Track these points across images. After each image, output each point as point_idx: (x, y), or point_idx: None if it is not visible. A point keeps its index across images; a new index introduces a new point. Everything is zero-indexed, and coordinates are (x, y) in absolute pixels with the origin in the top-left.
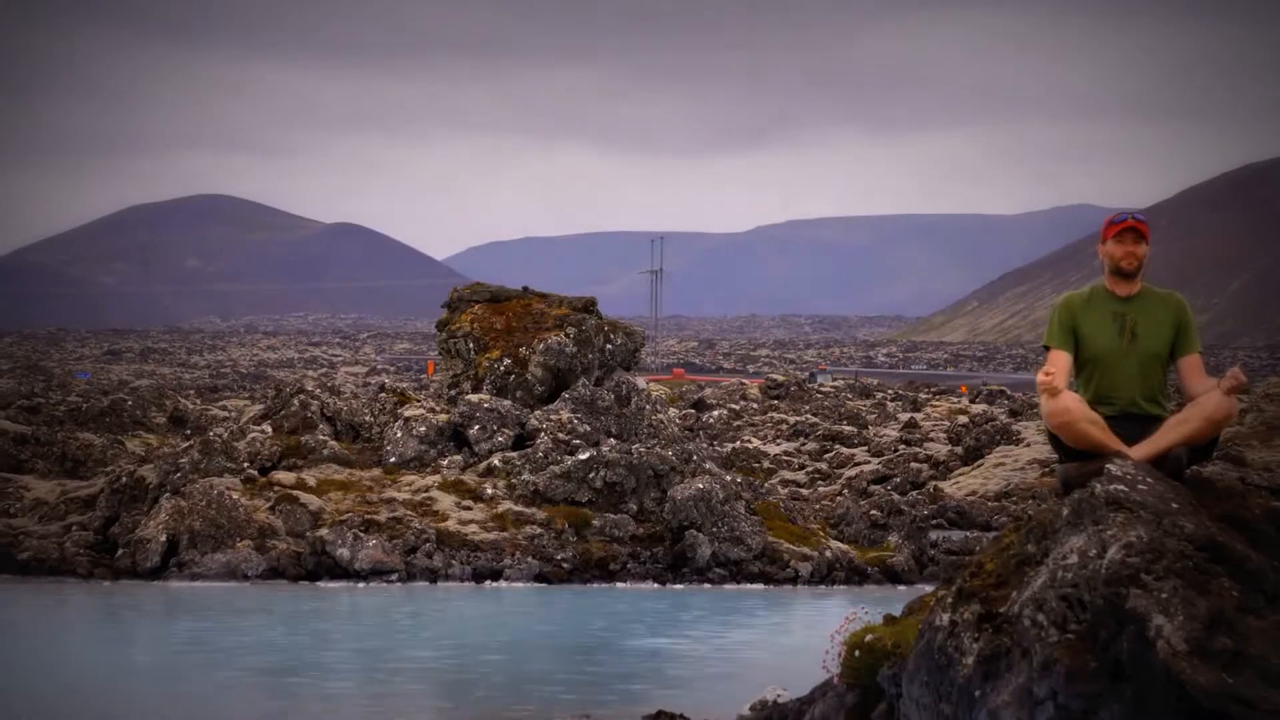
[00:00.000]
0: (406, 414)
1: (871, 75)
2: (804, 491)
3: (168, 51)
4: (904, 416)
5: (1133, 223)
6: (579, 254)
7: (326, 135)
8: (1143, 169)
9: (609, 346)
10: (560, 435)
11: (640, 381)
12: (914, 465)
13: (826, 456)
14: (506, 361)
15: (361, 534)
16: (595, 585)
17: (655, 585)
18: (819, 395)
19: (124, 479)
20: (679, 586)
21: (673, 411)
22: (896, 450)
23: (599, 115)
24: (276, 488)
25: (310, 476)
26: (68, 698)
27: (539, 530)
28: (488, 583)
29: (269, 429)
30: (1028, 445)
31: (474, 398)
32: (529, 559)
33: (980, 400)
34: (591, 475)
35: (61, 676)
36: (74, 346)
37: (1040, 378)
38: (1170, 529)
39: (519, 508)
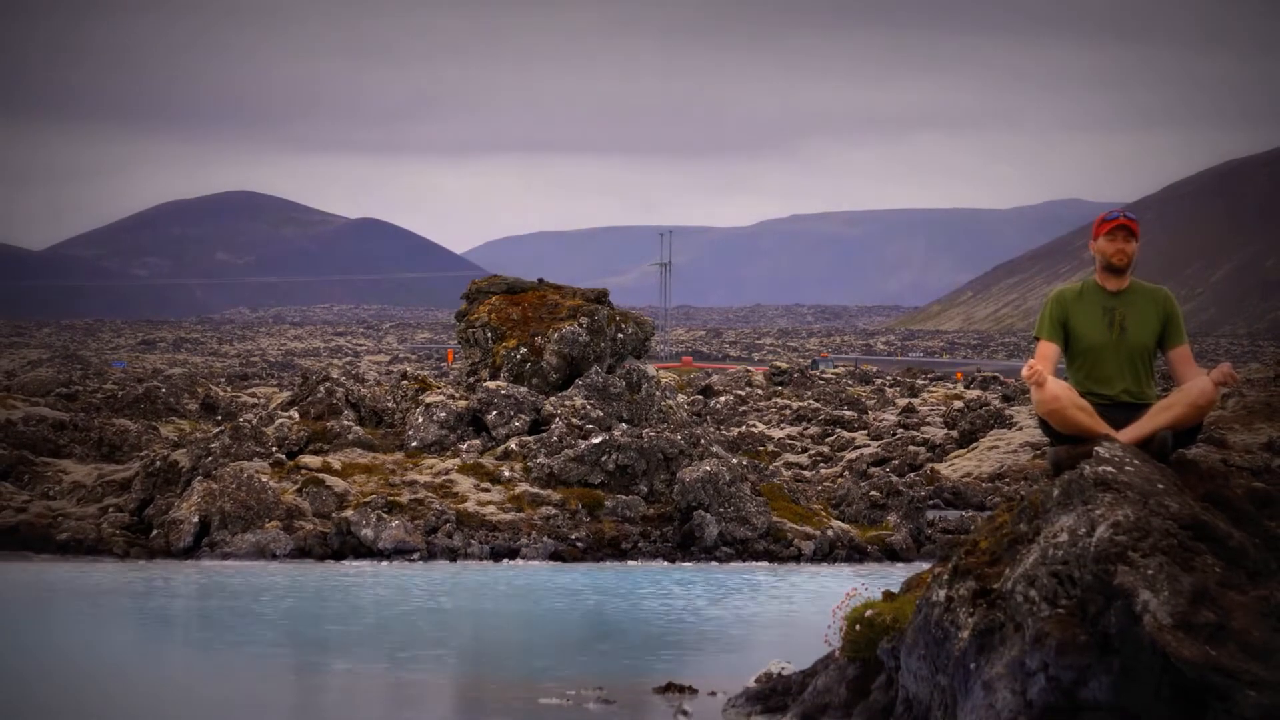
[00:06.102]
0: (427, 400)
1: (874, 79)
2: (806, 473)
3: (195, 54)
4: (902, 402)
5: (1124, 220)
6: (591, 247)
7: (351, 134)
8: (1130, 165)
9: (620, 335)
10: (574, 420)
11: (650, 369)
12: (912, 448)
13: (828, 440)
14: (523, 350)
15: (385, 515)
16: (608, 563)
17: (665, 563)
18: (821, 382)
19: (158, 463)
20: (687, 564)
21: (681, 397)
22: (895, 434)
23: (607, 116)
24: (304, 471)
25: (336, 460)
26: (94, 676)
27: (554, 511)
28: (505, 561)
29: (296, 415)
30: (1020, 429)
31: (492, 385)
32: (544, 538)
33: (975, 386)
34: (604, 458)
35: (92, 654)
36: (110, 337)
37: (1025, 371)
38: (1156, 508)
39: (535, 489)
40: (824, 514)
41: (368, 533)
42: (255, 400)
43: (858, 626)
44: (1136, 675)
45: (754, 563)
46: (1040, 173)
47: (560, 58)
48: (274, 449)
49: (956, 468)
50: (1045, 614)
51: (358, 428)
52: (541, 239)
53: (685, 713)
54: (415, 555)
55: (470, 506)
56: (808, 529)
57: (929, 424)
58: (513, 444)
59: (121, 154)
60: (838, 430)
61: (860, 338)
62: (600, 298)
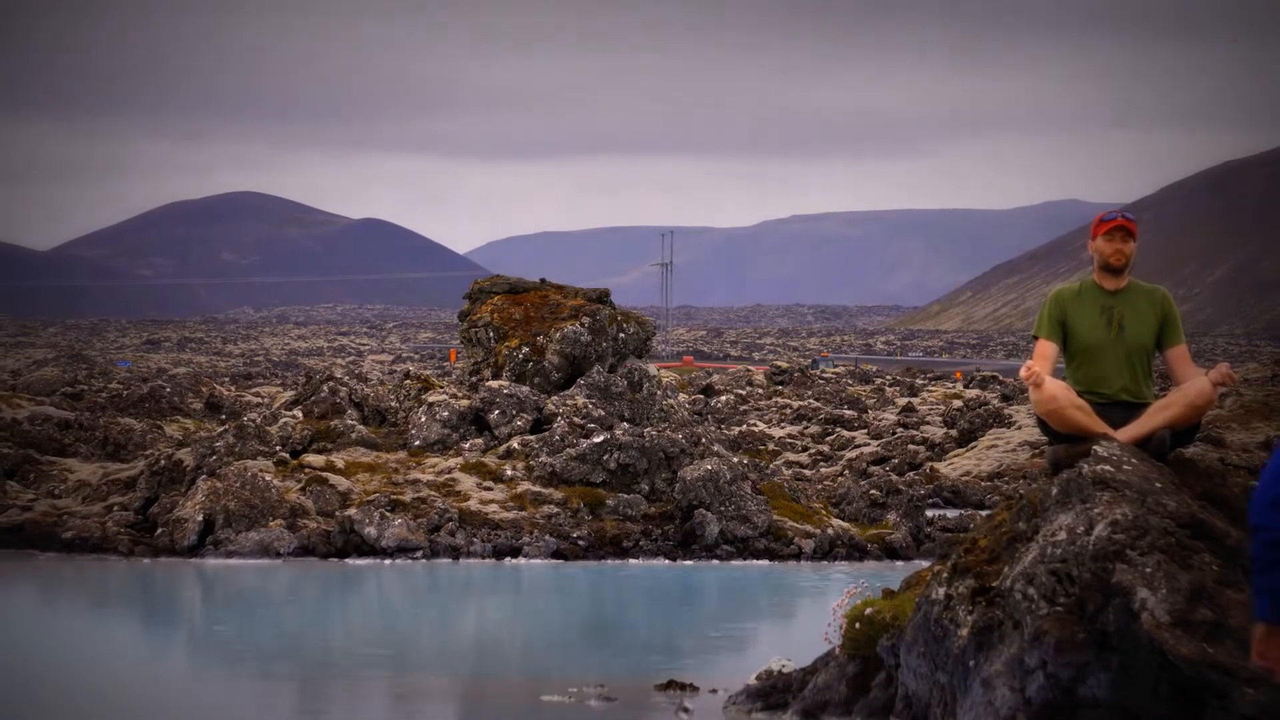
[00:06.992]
0: (430, 399)
1: (872, 79)
2: (807, 472)
3: (199, 55)
4: (901, 401)
5: (1122, 221)
6: (593, 248)
7: (354, 135)
8: (1128, 166)
9: (622, 335)
10: (576, 419)
11: (651, 368)
12: (911, 447)
13: (828, 439)
14: (525, 349)
15: (388, 513)
16: (609, 561)
17: (666, 561)
18: (821, 381)
19: (163, 462)
20: (688, 563)
21: (682, 397)
22: (894, 433)
23: (612, 116)
24: (307, 470)
25: (339, 459)
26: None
27: (556, 510)
28: (507, 560)
29: (300, 414)
30: (1019, 428)
31: (494, 384)
32: (546, 537)
33: (974, 385)
34: (605, 457)
35: (96, 652)
36: (115, 336)
37: (1023, 372)
38: (1154, 507)
39: (537, 488)
40: (824, 513)
41: (371, 531)
42: (259, 399)
43: (858, 624)
44: (1135, 673)
45: (754, 561)
46: (1039, 173)
47: (561, 58)
48: (278, 448)
49: (956, 467)
50: (1044, 612)
51: (361, 427)
52: (543, 239)
53: (686, 710)
54: (418, 554)
55: (472, 505)
56: (808, 527)
57: (928, 423)
58: (515, 443)
59: (126, 155)
60: (838, 429)
61: (860, 337)
62: (602, 298)
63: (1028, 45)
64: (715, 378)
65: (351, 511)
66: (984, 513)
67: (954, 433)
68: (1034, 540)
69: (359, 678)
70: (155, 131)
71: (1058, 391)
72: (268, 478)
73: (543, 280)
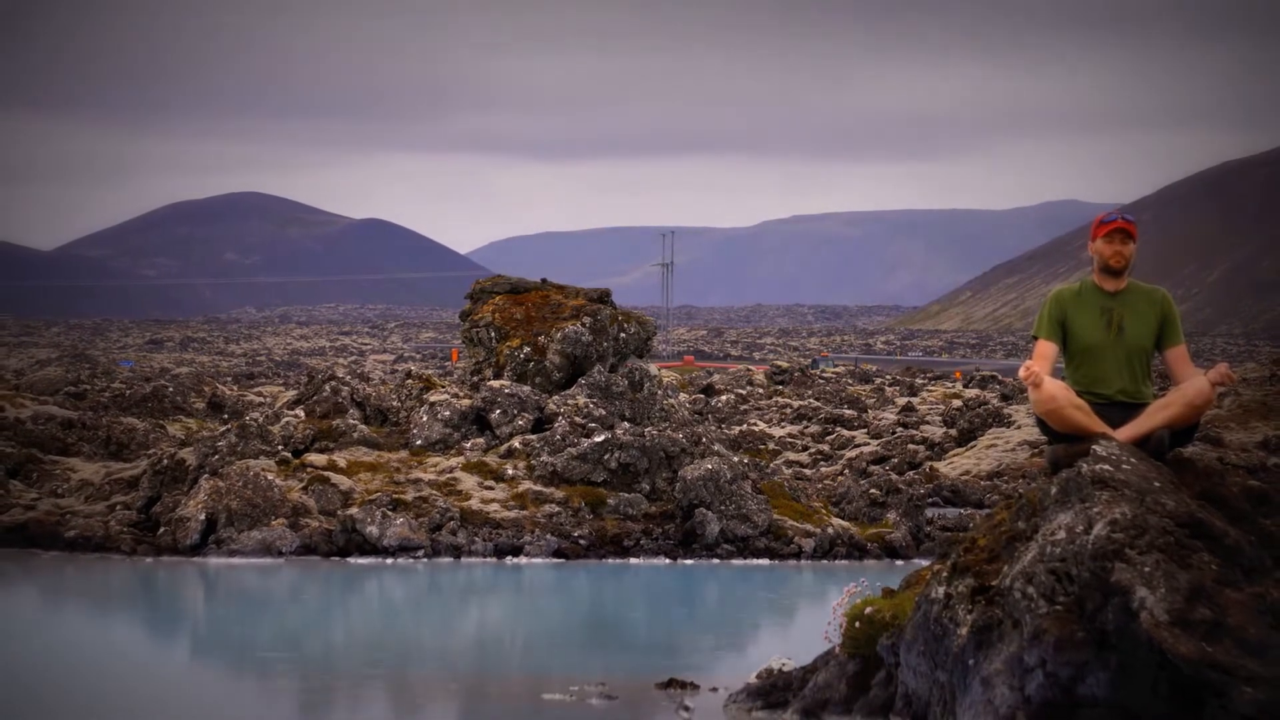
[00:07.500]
0: (432, 399)
1: (871, 79)
2: (807, 471)
3: (202, 56)
4: (901, 400)
5: (1122, 223)
6: (594, 248)
7: (356, 135)
8: (1127, 166)
9: (623, 335)
10: (577, 419)
11: (652, 368)
12: (911, 446)
13: (828, 438)
14: (526, 349)
15: (389, 513)
16: (610, 560)
17: (667, 561)
18: (821, 381)
19: (165, 461)
20: (689, 562)
21: (683, 396)
22: (894, 432)
23: (613, 116)
24: (309, 469)
25: (341, 458)
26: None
27: (557, 509)
28: (508, 559)
29: (302, 414)
30: (1018, 428)
31: (495, 383)
32: (547, 536)
33: (973, 385)
34: (606, 457)
35: (97, 652)
36: (118, 336)
37: (1022, 372)
38: (1153, 506)
39: (538, 487)
40: (824, 512)
41: (372, 530)
42: (261, 399)
43: (858, 623)
44: (1134, 672)
45: (755, 560)
46: (1039, 173)
47: (563, 59)
48: (280, 447)
49: (955, 466)
50: (1043, 611)
51: (363, 426)
52: (545, 239)
53: (687, 708)
54: (419, 552)
55: (474, 504)
56: (808, 527)
57: (928, 423)
58: (516, 442)
59: (129, 155)
60: (838, 429)
61: (860, 337)
62: (603, 297)
63: (1028, 45)
64: (716, 377)
65: (353, 511)
66: (983, 512)
67: (954, 432)
68: (1033, 539)
69: (360, 676)
70: (158, 132)
71: (1057, 391)
72: (270, 477)
73: (544, 280)
